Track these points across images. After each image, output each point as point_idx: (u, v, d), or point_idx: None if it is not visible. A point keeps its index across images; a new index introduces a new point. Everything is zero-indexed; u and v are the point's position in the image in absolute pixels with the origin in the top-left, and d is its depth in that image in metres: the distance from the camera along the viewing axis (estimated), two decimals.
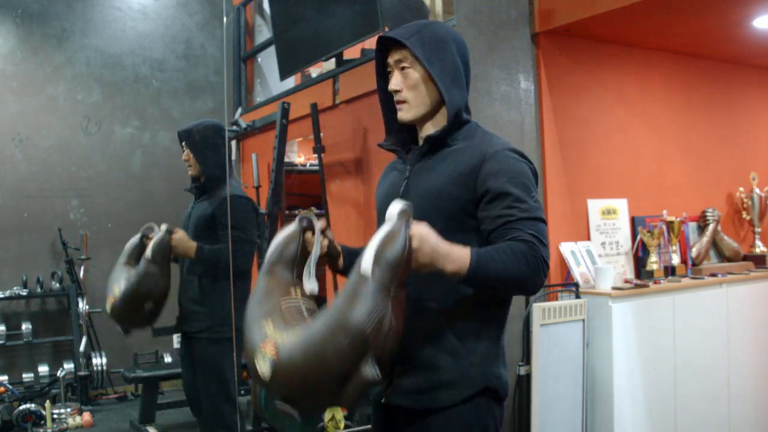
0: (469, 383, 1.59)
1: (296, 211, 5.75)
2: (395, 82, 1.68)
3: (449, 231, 1.60)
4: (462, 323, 1.60)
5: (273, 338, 1.43)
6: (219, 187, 3.13)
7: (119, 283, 2.90)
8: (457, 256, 1.45)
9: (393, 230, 1.40)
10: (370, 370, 1.33)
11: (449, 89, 1.65)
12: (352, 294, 1.35)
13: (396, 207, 1.43)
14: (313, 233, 1.64)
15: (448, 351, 1.60)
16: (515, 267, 1.48)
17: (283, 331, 1.44)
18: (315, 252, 1.62)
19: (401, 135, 1.79)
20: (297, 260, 1.64)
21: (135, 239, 3.06)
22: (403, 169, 1.74)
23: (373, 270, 1.36)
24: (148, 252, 2.87)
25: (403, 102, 1.68)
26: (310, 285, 1.59)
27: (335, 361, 1.32)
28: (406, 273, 1.40)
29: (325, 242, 1.66)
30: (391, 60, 1.70)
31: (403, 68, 1.67)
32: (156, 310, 2.92)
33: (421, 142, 1.72)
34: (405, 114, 1.69)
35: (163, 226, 2.93)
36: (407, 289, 1.58)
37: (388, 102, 1.75)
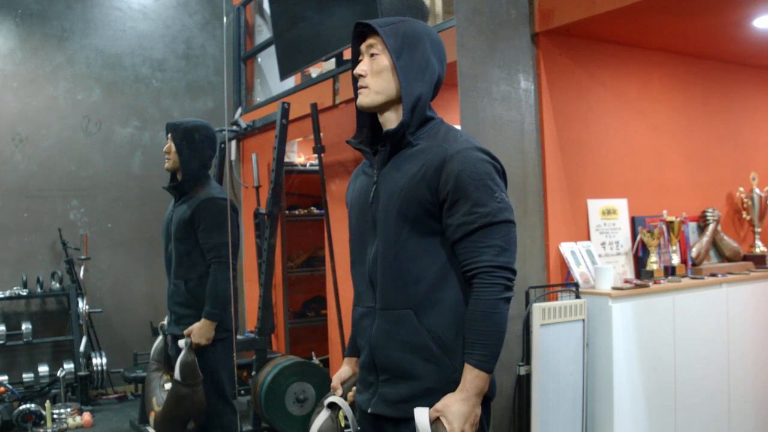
0: (453, 389, 1.59)
1: (297, 211, 5.75)
2: (361, 66, 1.68)
3: (415, 235, 1.61)
4: (441, 329, 1.61)
5: None
6: (197, 188, 3.14)
7: (157, 396, 3.00)
8: (477, 382, 1.55)
9: None
10: None
11: (411, 82, 1.63)
12: None
13: (424, 419, 1.54)
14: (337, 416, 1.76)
15: (430, 358, 1.60)
16: (499, 321, 1.56)
17: None
18: (354, 430, 1.73)
19: (370, 133, 1.78)
20: None
21: (158, 342, 3.17)
22: (371, 173, 1.73)
23: None
24: (177, 373, 2.90)
25: (364, 87, 1.68)
26: None
27: None
28: None
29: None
30: (363, 46, 1.70)
31: (372, 54, 1.67)
32: (198, 424, 2.97)
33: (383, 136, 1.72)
34: (363, 98, 1.68)
35: (181, 342, 2.96)
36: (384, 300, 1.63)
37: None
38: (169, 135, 3.15)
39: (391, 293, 1.63)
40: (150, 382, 3.09)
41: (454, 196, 1.56)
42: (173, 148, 3.13)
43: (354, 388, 1.79)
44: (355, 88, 1.74)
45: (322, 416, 1.74)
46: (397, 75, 1.63)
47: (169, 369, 3.07)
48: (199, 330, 2.98)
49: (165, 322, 3.21)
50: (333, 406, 1.76)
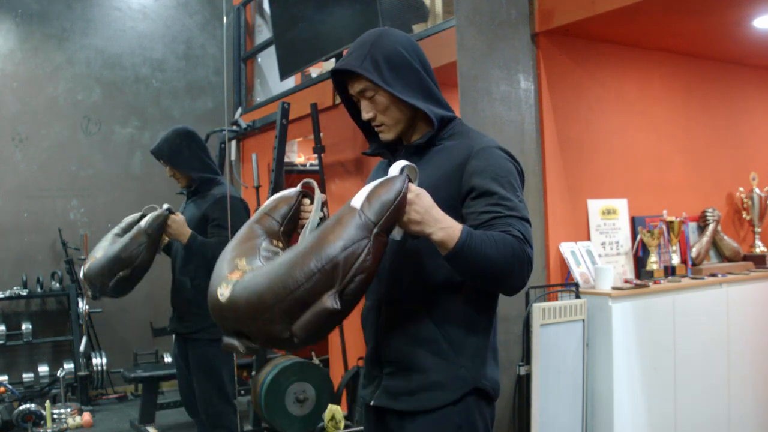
0: (459, 384, 1.58)
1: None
2: (366, 111, 1.67)
3: None
4: (450, 324, 1.60)
5: (242, 269, 1.41)
6: (210, 187, 3.13)
7: (103, 247, 2.88)
8: (449, 225, 1.42)
9: (392, 177, 1.39)
10: (331, 301, 1.29)
11: (419, 102, 1.63)
12: (335, 222, 1.34)
13: (400, 163, 1.43)
14: (312, 201, 1.65)
15: (437, 352, 1.59)
16: (504, 257, 1.44)
17: (254, 264, 1.42)
18: (313, 217, 1.63)
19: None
20: (288, 219, 1.64)
21: (134, 216, 3.04)
22: None
23: (363, 204, 1.34)
24: (143, 222, 2.83)
25: (381, 125, 1.68)
26: None
27: (299, 282, 1.28)
28: (395, 219, 1.37)
29: (321, 214, 1.67)
30: (353, 91, 1.68)
31: (368, 97, 1.65)
32: (130, 280, 2.85)
33: (407, 144, 1.72)
34: (387, 135, 1.69)
35: (165, 205, 2.91)
36: (397, 290, 1.59)
37: (361, 120, 1.73)
38: (160, 161, 3.13)
39: (401, 287, 1.63)
40: (103, 240, 2.98)
41: (479, 189, 1.55)
42: (174, 170, 3.11)
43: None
44: (360, 126, 1.75)
45: (290, 190, 1.67)
46: (403, 101, 1.62)
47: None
48: (182, 225, 2.91)
49: (164, 206, 3.05)
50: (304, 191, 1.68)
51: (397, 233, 1.42)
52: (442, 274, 1.59)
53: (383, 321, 1.66)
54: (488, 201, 1.54)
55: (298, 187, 1.68)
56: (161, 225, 2.85)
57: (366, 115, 1.67)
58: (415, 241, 1.56)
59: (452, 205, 1.58)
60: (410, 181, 1.42)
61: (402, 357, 1.62)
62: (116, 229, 3.03)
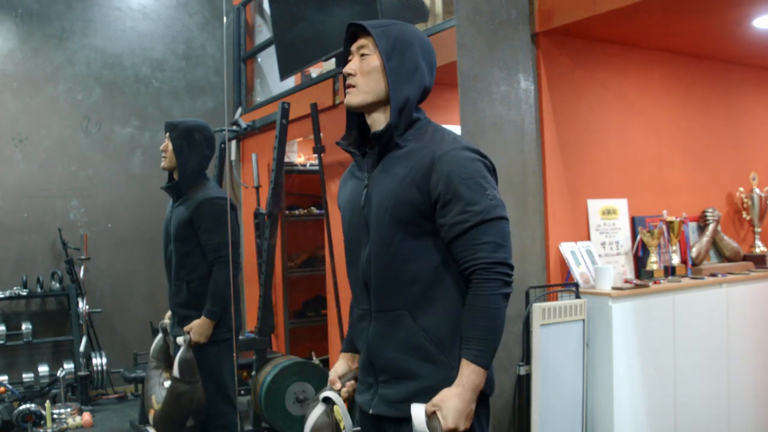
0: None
1: (297, 211, 5.75)
2: (351, 65, 1.69)
3: (410, 237, 1.61)
4: (437, 328, 1.61)
5: None
6: (194, 188, 3.14)
7: (156, 394, 3.01)
8: (473, 378, 1.54)
9: None
10: None
11: (399, 84, 1.64)
12: None
13: (420, 415, 1.54)
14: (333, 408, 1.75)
15: (427, 358, 1.62)
16: (497, 316, 1.55)
17: None
18: (347, 422, 1.72)
19: (358, 135, 1.78)
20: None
21: (158, 340, 3.17)
22: (362, 176, 1.74)
23: None
24: (176, 370, 2.91)
25: (353, 86, 1.68)
26: None
27: None
28: None
29: (352, 390, 1.79)
30: (354, 47, 1.71)
31: (362, 55, 1.68)
32: (197, 421, 2.98)
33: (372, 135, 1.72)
34: (352, 98, 1.68)
35: (180, 339, 2.98)
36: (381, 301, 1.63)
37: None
38: (167, 134, 3.16)
39: (385, 295, 1.64)
40: (149, 380, 3.10)
41: (446, 196, 1.57)
42: (170, 147, 3.13)
43: (349, 384, 1.79)
44: (346, 88, 1.74)
45: (317, 411, 1.73)
46: (387, 76, 1.63)
47: (169, 367, 3.08)
48: (199, 328, 2.99)
49: (166, 320, 3.21)
50: (328, 401, 1.75)
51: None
52: (426, 279, 1.61)
53: (372, 329, 1.67)
54: (456, 210, 1.56)
55: (322, 405, 1.76)
56: (192, 365, 2.93)
57: (348, 68, 1.69)
58: (398, 249, 1.61)
59: (420, 210, 1.61)
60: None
61: (394, 365, 1.64)
62: (152, 363, 3.16)
